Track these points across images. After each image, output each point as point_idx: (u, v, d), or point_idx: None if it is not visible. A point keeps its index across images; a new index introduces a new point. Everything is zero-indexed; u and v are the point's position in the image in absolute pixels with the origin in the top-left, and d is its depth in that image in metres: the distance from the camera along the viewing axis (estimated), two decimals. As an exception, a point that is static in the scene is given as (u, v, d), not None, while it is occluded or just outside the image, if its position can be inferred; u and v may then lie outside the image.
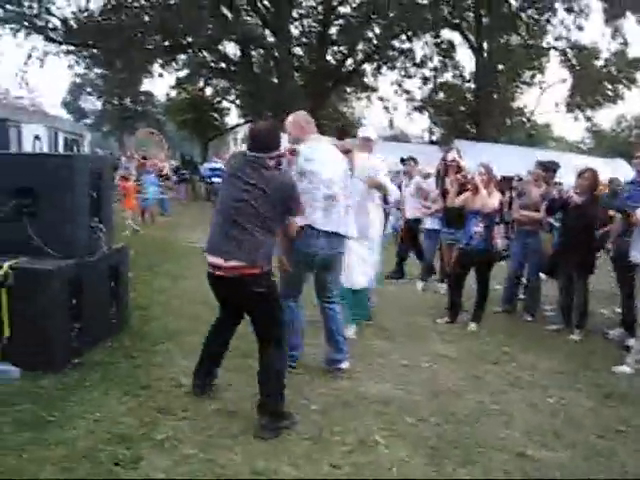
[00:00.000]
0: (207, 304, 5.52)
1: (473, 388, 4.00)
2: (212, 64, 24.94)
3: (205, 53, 23.62)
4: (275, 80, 22.42)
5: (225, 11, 21.96)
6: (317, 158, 3.69)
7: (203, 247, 3.24)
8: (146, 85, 31.21)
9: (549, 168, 6.06)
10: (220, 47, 23.15)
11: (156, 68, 24.77)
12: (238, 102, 30.64)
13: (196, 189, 19.91)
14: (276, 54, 21.65)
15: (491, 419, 3.50)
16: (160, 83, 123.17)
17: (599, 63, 23.30)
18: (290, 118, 3.85)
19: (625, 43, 21.84)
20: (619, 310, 6.55)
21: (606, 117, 56.63)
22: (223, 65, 24.78)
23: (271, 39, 21.76)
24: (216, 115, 33.66)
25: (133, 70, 22.68)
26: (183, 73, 26.54)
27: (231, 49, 24.16)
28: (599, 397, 4.06)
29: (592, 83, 23.07)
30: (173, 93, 33.22)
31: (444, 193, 6.41)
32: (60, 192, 3.72)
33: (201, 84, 30.37)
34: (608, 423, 3.58)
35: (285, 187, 3.17)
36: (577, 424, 3.52)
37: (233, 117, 35.44)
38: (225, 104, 32.95)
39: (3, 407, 3.09)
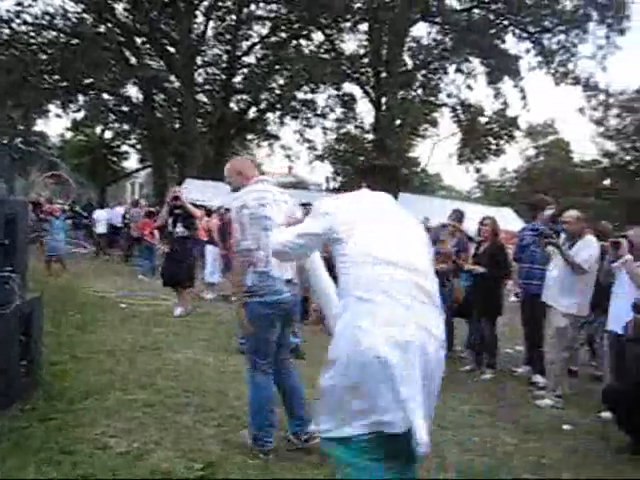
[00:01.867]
0: (121, 357, 5.27)
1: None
2: (113, 107, 24.34)
3: (106, 95, 23.02)
4: (177, 125, 22.25)
5: (128, 54, 21.68)
6: (269, 202, 3.39)
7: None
8: (39, 125, 29.74)
9: (461, 218, 6.46)
10: (122, 90, 22.70)
11: (53, 108, 23.80)
12: (139, 146, 29.98)
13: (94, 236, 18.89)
14: (179, 100, 21.54)
15: (424, 462, 3.54)
16: (55, 123, 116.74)
17: (484, 120, 25.37)
18: (228, 165, 3.77)
19: (505, 103, 23.99)
20: (520, 348, 7.00)
21: (491, 169, 61.31)
22: (125, 108, 24.27)
23: (175, 84, 21.65)
24: (115, 159, 32.63)
25: (27, 110, 21.63)
26: (81, 114, 25.61)
27: (134, 92, 23.78)
28: (520, 433, 4.28)
29: (478, 138, 25.02)
30: (68, 134, 31.98)
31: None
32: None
33: (100, 127, 29.51)
34: (534, 458, 3.77)
35: None
36: (507, 462, 3.66)
37: (132, 161, 34.49)
38: (124, 148, 32.11)
39: None
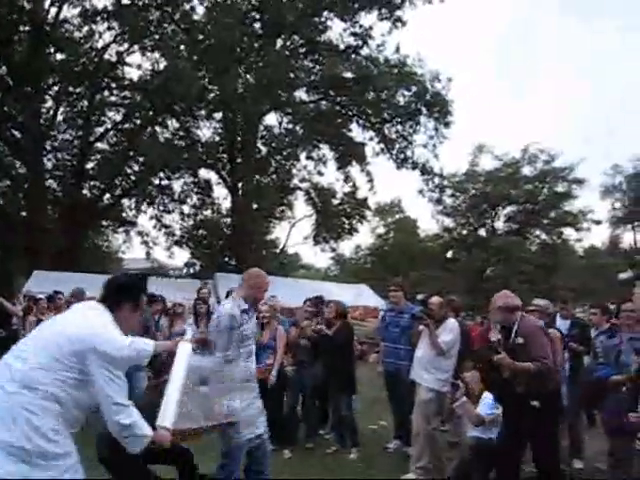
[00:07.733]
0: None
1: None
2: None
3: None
4: (25, 214, 20.97)
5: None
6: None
7: None
8: None
9: (319, 303, 6.86)
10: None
11: None
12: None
13: None
14: (26, 186, 20.44)
15: None
16: None
17: (336, 201, 27.04)
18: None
19: (354, 186, 25.88)
20: (384, 423, 7.32)
21: (347, 246, 64.32)
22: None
23: (21, 170, 20.55)
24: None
25: None
26: None
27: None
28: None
29: (331, 218, 26.54)
30: None
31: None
32: None
33: None
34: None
35: None
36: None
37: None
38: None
39: None
